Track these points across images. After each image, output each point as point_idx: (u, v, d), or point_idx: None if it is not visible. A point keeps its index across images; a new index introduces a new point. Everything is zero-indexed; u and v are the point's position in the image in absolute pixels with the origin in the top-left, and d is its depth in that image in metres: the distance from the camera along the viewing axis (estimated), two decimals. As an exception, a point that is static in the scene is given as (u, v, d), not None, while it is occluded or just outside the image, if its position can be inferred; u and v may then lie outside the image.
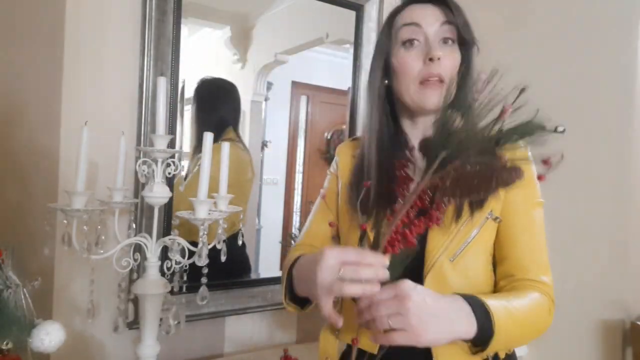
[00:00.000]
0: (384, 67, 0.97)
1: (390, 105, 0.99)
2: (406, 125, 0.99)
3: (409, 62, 0.91)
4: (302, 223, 1.70)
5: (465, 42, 0.93)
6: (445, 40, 0.92)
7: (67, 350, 0.97)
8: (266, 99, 1.58)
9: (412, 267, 0.88)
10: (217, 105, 1.39)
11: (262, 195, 1.61)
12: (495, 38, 1.77)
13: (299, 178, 1.71)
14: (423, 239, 0.88)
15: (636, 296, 1.51)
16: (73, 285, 1.18)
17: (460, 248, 0.88)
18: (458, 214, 0.87)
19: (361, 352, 0.85)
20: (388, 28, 0.96)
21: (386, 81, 0.97)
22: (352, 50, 1.61)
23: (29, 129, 1.23)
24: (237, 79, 1.51)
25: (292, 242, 1.69)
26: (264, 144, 1.61)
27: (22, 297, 0.90)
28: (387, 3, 1.63)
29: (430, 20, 0.91)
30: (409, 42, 0.92)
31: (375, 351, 0.86)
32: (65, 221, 0.99)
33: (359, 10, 1.60)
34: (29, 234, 1.18)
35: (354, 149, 1.05)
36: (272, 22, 1.55)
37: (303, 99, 1.70)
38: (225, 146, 1.03)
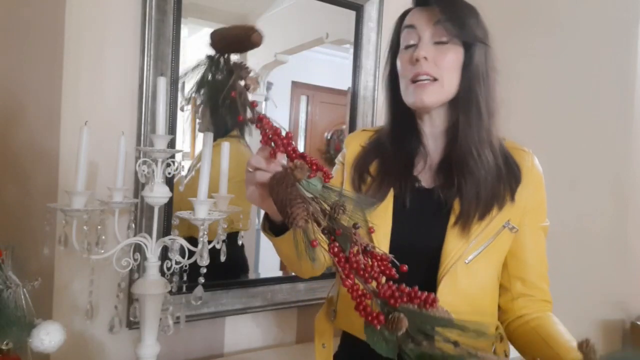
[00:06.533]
0: (392, 66, 1.00)
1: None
2: (417, 118, 1.01)
3: (403, 63, 0.95)
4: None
5: (465, 40, 0.94)
6: (440, 41, 0.92)
7: (67, 350, 0.97)
8: (266, 99, 1.58)
9: (427, 268, 0.90)
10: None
11: (262, 195, 1.60)
12: (497, 38, 1.77)
13: (299, 178, 1.71)
14: (440, 241, 0.90)
15: (636, 296, 1.51)
16: (73, 285, 1.18)
17: (475, 252, 0.90)
18: (481, 216, 0.90)
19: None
20: (396, 28, 0.99)
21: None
22: (352, 50, 1.61)
23: (29, 129, 1.23)
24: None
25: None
26: (264, 144, 1.61)
27: (22, 297, 0.90)
28: (387, 3, 1.63)
29: (424, 21, 0.93)
30: (408, 46, 0.95)
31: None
32: (64, 221, 0.99)
33: (358, 10, 1.60)
34: (29, 234, 1.18)
35: (363, 138, 1.07)
36: (272, 22, 1.55)
37: (303, 99, 1.69)
38: (225, 146, 1.03)
